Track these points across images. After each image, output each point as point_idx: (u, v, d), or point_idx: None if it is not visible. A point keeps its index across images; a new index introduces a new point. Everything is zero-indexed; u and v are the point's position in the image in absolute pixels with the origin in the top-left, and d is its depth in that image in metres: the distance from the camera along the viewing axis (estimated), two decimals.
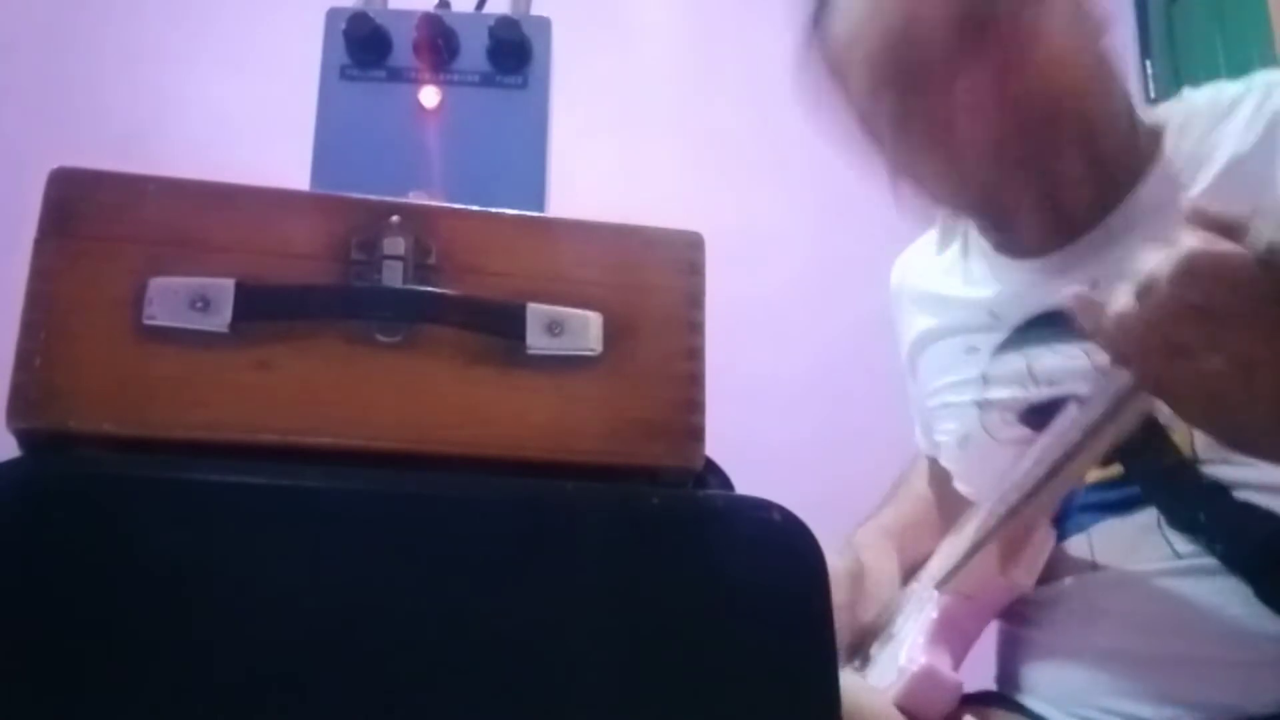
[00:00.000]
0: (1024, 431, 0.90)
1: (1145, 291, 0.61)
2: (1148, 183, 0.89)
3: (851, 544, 1.06)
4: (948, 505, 1.07)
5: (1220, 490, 0.80)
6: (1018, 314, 0.94)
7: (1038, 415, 0.89)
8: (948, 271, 1.05)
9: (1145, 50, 2.27)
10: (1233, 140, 0.85)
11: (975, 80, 0.84)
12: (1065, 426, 0.79)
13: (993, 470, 0.92)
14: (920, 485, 1.14)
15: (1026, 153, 0.85)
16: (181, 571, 0.52)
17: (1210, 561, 0.79)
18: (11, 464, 0.53)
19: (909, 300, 1.09)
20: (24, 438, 0.54)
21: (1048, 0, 0.85)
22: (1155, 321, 0.61)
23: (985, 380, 0.95)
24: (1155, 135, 0.91)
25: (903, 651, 0.90)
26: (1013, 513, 0.83)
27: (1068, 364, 0.88)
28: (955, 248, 1.06)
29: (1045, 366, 0.90)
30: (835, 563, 1.02)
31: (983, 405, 0.95)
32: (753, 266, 1.95)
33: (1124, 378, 0.69)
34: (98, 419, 0.54)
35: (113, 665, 0.50)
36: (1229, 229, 0.59)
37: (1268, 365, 0.60)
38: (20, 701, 0.49)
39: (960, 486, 1.02)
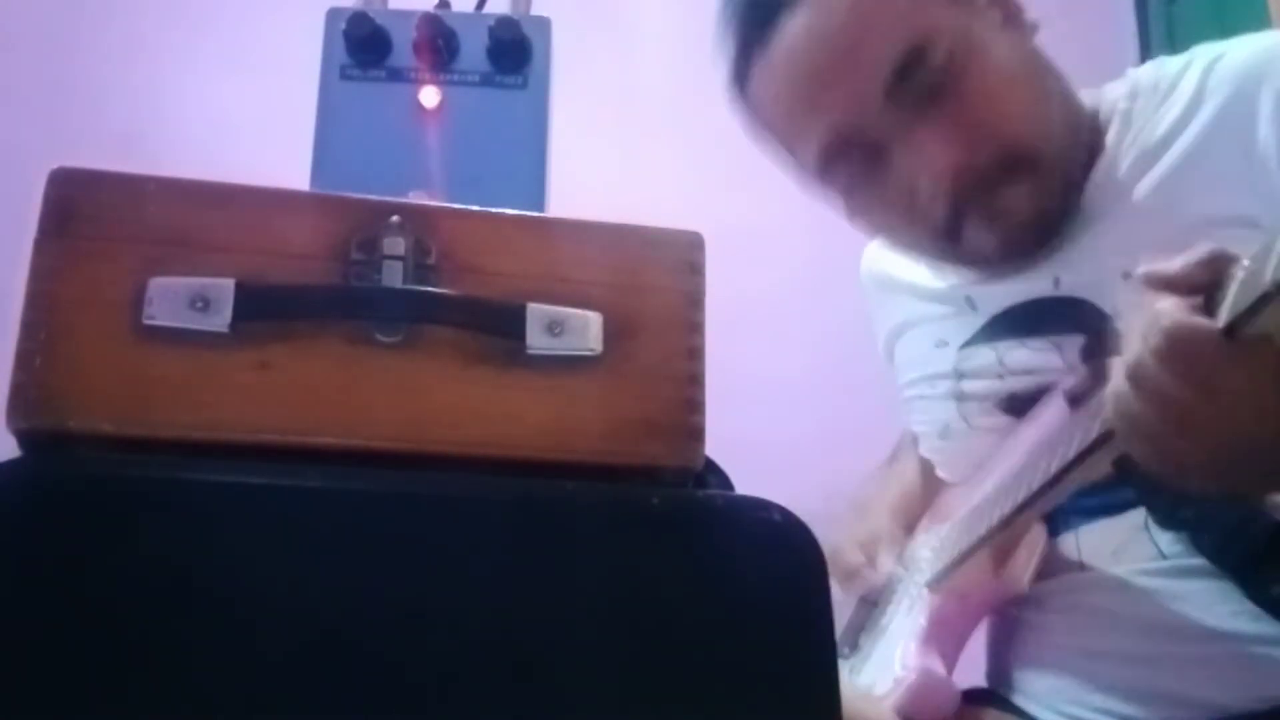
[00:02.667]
0: (1003, 419, 0.91)
1: (1136, 375, 0.63)
2: (1093, 181, 0.88)
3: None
4: (935, 489, 1.07)
5: None
6: (993, 304, 0.93)
7: (1017, 402, 0.89)
8: (916, 261, 1.04)
9: (1145, 50, 2.27)
10: (1173, 121, 0.84)
11: (923, 143, 0.83)
12: (1057, 430, 0.78)
13: (975, 458, 0.92)
14: (911, 471, 1.14)
15: (980, 194, 0.85)
16: (181, 571, 0.52)
17: (1195, 562, 0.80)
18: (11, 464, 0.53)
19: (881, 289, 1.09)
20: (24, 438, 0.54)
21: (978, 41, 0.85)
22: (1148, 403, 0.63)
23: (958, 374, 0.95)
24: (1097, 129, 0.90)
25: (896, 657, 0.90)
26: (1007, 521, 0.83)
27: (1038, 357, 0.88)
28: None
29: (1016, 359, 0.90)
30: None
31: (959, 397, 0.95)
32: (753, 266, 1.95)
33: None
34: (98, 419, 0.54)
35: (113, 665, 0.50)
36: (1196, 286, 0.61)
37: (1245, 435, 0.62)
38: (21, 702, 0.49)
39: (943, 474, 1.03)
